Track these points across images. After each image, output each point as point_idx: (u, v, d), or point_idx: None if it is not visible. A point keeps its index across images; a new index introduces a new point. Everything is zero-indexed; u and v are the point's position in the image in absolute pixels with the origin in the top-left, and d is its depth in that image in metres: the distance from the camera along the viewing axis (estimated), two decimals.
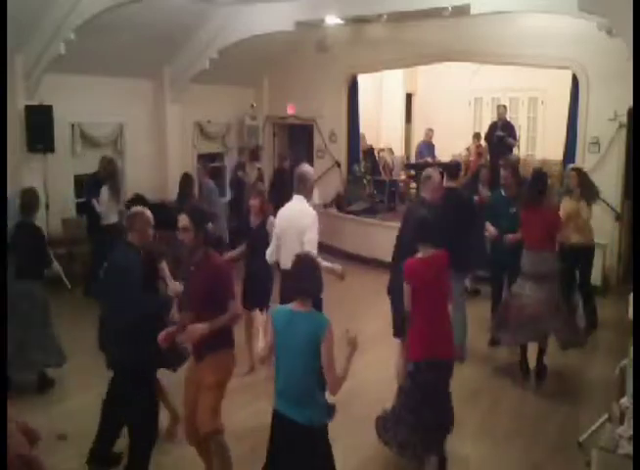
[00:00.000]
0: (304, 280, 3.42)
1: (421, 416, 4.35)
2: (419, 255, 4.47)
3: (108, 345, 4.51)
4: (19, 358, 5.58)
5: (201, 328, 3.82)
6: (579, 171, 7.37)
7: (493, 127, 11.56)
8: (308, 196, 5.37)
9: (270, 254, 5.46)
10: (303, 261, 3.50)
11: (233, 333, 4.15)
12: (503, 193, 7.01)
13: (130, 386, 4.24)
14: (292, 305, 3.46)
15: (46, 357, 5.81)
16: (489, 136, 11.59)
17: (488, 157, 11.64)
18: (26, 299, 5.69)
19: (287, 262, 4.42)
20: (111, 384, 4.55)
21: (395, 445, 4.44)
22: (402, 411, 4.46)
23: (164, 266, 4.92)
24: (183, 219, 3.98)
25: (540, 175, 6.50)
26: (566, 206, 7.14)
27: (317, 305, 3.87)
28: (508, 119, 11.73)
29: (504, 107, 11.81)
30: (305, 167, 5.44)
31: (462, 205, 6.38)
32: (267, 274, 6.12)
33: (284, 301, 4.42)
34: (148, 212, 4.43)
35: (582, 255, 7.26)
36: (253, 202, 6.24)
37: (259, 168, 11.43)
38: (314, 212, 5.23)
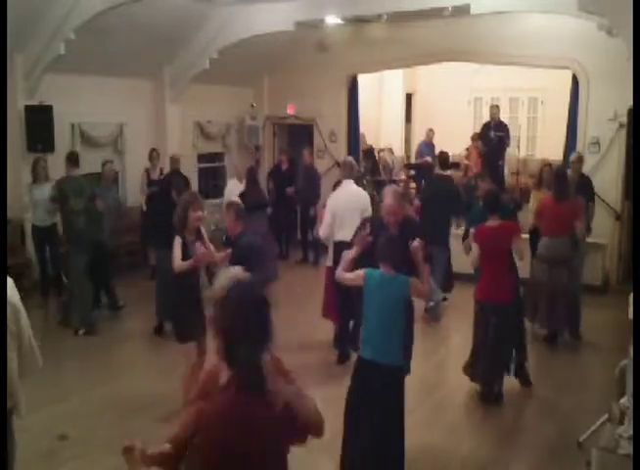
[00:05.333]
0: (386, 250, 4.02)
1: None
2: (488, 223, 5.52)
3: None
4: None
5: None
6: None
7: (486, 127, 11.58)
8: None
9: (325, 230, 6.45)
10: (387, 237, 4.19)
11: None
12: None
13: None
14: (381, 270, 4.01)
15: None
16: (483, 136, 11.61)
17: None
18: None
19: (346, 235, 5.70)
20: None
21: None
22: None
23: None
24: None
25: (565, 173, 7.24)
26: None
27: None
28: (501, 120, 11.74)
29: (497, 107, 11.85)
30: (349, 158, 7.29)
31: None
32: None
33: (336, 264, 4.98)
34: None
35: None
36: (196, 214, 4.99)
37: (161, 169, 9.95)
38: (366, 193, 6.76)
